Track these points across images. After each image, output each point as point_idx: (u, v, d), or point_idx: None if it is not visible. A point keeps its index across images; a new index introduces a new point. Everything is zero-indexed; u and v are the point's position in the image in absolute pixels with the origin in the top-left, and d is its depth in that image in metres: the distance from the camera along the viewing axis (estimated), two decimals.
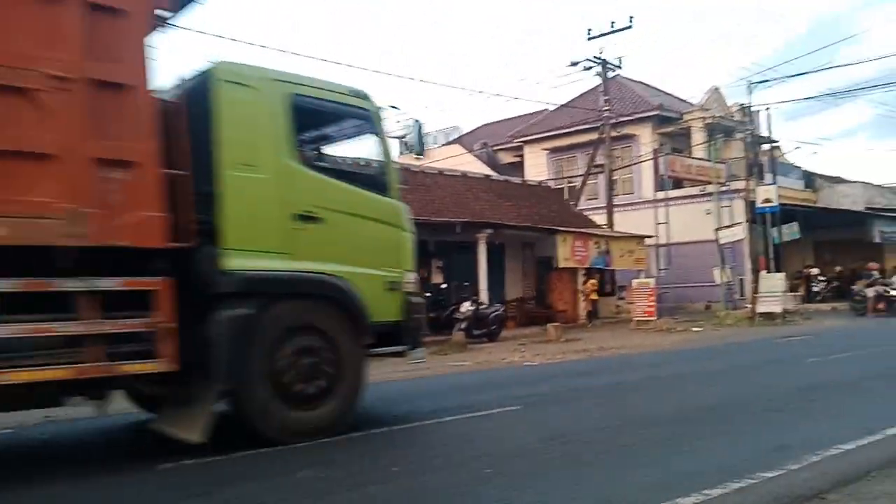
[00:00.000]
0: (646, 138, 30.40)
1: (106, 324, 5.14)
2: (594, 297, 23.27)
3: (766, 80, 30.25)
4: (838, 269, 31.59)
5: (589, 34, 26.12)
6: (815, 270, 30.54)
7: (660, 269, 27.07)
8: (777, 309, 21.28)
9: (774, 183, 26.61)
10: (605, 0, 79.38)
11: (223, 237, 5.80)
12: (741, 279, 26.50)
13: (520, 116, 38.03)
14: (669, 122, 31.30)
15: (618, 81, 31.07)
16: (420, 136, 7.62)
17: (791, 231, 25.90)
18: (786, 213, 25.42)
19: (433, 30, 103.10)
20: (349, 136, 7.27)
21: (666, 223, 27.44)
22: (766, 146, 31.02)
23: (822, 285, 29.89)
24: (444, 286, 20.22)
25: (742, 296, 25.84)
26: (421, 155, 9.39)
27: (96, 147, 5.11)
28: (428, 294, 20.76)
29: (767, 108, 30.19)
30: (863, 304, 23.16)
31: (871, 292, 23.00)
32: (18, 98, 4.84)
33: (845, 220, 30.05)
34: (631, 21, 25.16)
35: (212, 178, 5.82)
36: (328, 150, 7.22)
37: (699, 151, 30.49)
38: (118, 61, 5.27)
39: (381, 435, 6.46)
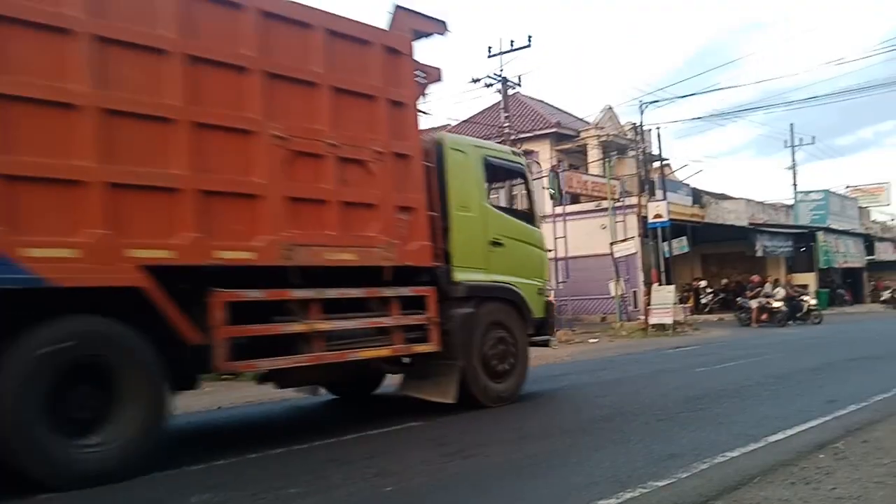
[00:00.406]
0: (545, 154, 31.14)
1: (407, 318, 7.49)
2: None
3: (657, 101, 31.76)
4: (724, 281, 33.23)
5: (489, 52, 26.59)
6: (703, 283, 32.00)
7: (559, 282, 27.69)
8: (668, 320, 22.14)
9: (665, 199, 27.75)
10: (508, 18, 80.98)
11: (452, 258, 8.05)
12: (635, 291, 27.45)
13: (422, 131, 38.19)
14: (567, 139, 32.19)
15: (517, 99, 31.75)
16: (558, 184, 11.53)
17: (680, 245, 27.06)
18: (675, 228, 26.54)
19: None
20: (509, 181, 10.09)
21: (564, 237, 28.16)
22: (656, 164, 32.34)
23: (710, 297, 31.37)
24: None
25: (636, 307, 26.79)
26: (560, 200, 11.93)
27: (397, 198, 7.43)
28: None
29: (658, 128, 31.56)
30: (747, 315, 24.43)
31: (754, 304, 24.29)
32: (359, 167, 7.14)
33: (730, 234, 31.64)
34: (530, 41, 25.80)
35: (444, 216, 8.04)
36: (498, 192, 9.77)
37: (595, 168, 31.50)
38: (405, 139, 7.64)
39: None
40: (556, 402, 9.44)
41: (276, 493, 4.94)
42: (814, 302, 26.32)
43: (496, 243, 8.62)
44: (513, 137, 26.77)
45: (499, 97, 27.34)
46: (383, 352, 7.37)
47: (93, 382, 5.30)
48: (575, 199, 29.87)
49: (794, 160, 40.76)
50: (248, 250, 6.22)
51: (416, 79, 7.89)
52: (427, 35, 8.06)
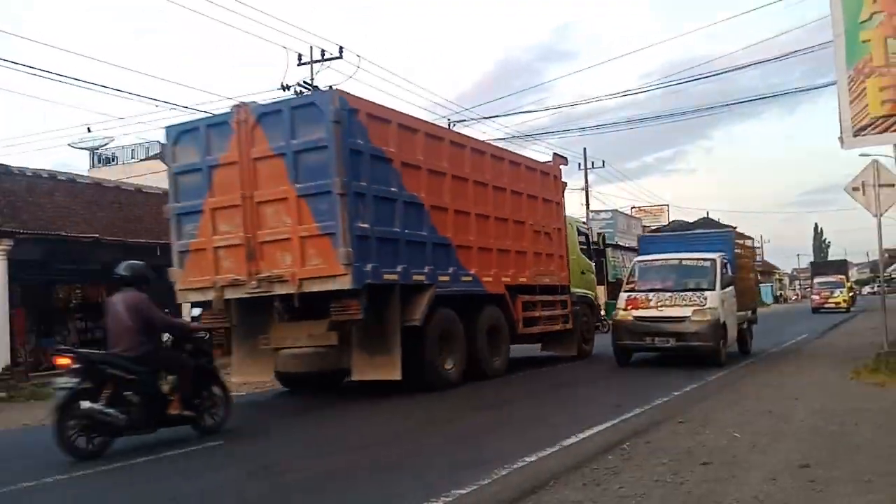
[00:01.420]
0: None
1: (562, 311, 14.07)
2: None
3: (464, 120, 32.66)
4: None
5: (300, 60, 26.11)
6: None
7: None
8: None
9: None
10: (320, 27, 79.99)
11: (570, 281, 14.71)
12: None
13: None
14: None
15: None
16: (603, 240, 19.82)
17: None
18: None
19: (137, 40, 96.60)
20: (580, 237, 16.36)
21: None
22: None
23: None
24: None
25: None
26: (605, 248, 20.99)
27: (558, 251, 14.26)
28: None
29: None
30: None
31: None
32: (548, 236, 13.91)
33: None
34: (341, 52, 25.66)
35: (567, 259, 14.71)
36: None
37: None
38: (559, 220, 14.57)
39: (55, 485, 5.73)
40: (339, 420, 9.36)
41: None
42: (602, 312, 28.29)
43: (582, 272, 15.77)
44: None
45: None
46: (557, 327, 13.90)
47: (492, 335, 11.71)
48: None
49: (586, 181, 43.58)
50: (525, 277, 12.84)
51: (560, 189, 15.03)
52: (563, 165, 15.34)
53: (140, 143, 38.88)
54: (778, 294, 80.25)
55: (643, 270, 13.69)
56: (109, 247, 16.94)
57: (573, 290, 14.65)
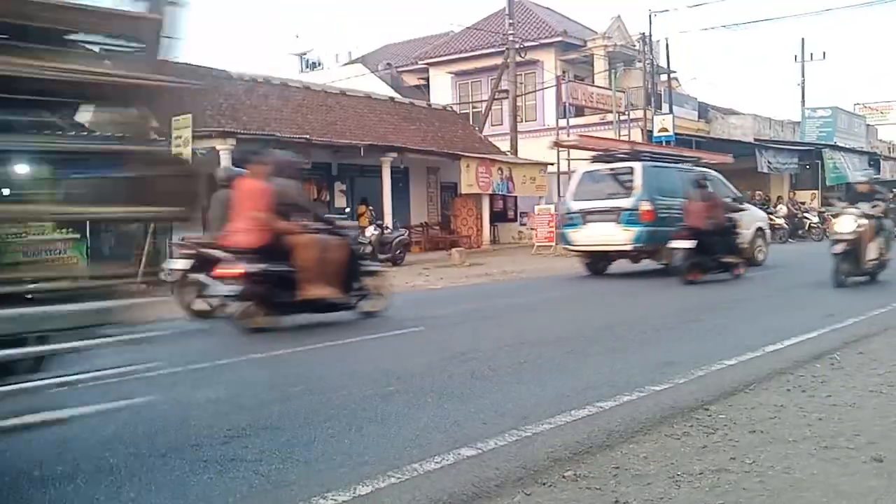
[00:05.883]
0: (549, 65, 30.48)
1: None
2: (365, 223, 21.89)
3: (666, 10, 30.74)
4: None
5: None
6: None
7: (561, 196, 27.55)
8: None
9: (671, 113, 27.35)
10: None
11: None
12: None
13: (424, 38, 37.30)
14: (573, 49, 31.43)
15: (523, 5, 30.85)
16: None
17: None
18: (680, 143, 26.21)
19: None
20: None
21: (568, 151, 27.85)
22: (663, 76, 31.68)
23: None
24: (347, 210, 19.99)
25: None
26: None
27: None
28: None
29: (667, 39, 30.79)
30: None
31: None
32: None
33: (736, 150, 31.17)
34: None
35: None
36: None
37: (600, 80, 30.88)
38: None
39: (283, 357, 6.41)
40: (554, 311, 9.53)
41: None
42: (815, 219, 26.30)
43: None
44: (517, 46, 26.10)
45: (503, 3, 26.48)
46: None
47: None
48: (580, 111, 29.43)
49: (803, 76, 39.85)
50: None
51: None
52: None
53: (342, 49, 40.42)
54: None
55: None
56: (318, 147, 18.08)
57: None
